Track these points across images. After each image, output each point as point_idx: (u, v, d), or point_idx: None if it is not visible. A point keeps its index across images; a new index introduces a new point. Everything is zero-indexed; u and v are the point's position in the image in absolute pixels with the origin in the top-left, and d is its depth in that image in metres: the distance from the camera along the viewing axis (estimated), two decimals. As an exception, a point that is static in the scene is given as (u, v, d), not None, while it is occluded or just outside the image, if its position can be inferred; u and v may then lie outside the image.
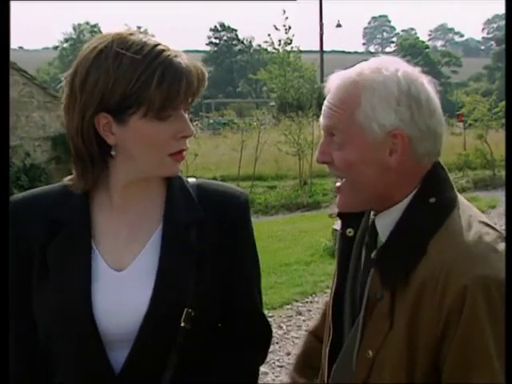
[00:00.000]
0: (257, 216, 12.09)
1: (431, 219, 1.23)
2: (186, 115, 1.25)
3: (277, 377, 4.34)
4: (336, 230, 6.42)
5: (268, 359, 4.63)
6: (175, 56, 1.22)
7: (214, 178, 14.65)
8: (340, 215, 1.38)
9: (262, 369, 4.50)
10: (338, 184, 1.30)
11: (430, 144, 1.26)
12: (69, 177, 1.32)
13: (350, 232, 1.37)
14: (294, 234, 9.03)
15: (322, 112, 1.30)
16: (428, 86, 1.27)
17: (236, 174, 14.00)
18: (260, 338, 1.41)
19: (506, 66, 1.38)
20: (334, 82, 1.29)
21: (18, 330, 1.30)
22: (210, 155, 15.40)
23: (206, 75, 1.27)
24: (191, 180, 1.36)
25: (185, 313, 1.24)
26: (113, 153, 1.25)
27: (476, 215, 1.27)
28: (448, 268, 1.17)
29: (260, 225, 10.79)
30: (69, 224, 1.28)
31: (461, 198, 1.29)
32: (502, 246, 1.21)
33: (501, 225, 8.64)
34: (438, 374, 1.21)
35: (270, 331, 1.44)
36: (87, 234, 1.27)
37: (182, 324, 1.24)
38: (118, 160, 1.26)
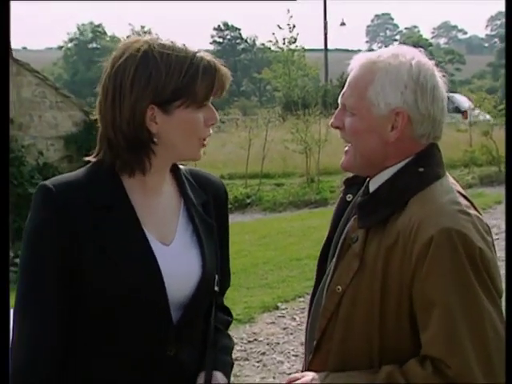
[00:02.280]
0: (265, 213, 12.22)
1: (416, 182, 1.41)
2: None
3: (292, 365, 4.48)
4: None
5: (283, 349, 4.77)
6: (206, 55, 1.42)
7: (222, 177, 14.79)
8: (344, 182, 1.60)
9: (278, 358, 4.65)
10: (346, 148, 1.51)
11: (428, 127, 1.43)
12: (90, 157, 1.44)
13: (349, 197, 1.58)
14: (303, 229, 9.14)
15: (345, 86, 1.50)
16: (438, 77, 1.45)
17: (243, 172, 14.12)
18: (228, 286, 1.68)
19: (506, 68, 1.53)
20: (356, 62, 1.49)
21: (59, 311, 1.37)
22: (217, 153, 15.49)
23: (230, 76, 1.45)
24: (182, 167, 1.55)
25: (216, 279, 1.49)
26: (155, 139, 1.40)
27: (457, 188, 1.44)
28: (420, 221, 1.34)
29: (268, 221, 10.92)
30: (114, 207, 1.40)
31: (449, 176, 1.48)
32: (471, 211, 1.38)
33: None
34: (411, 316, 1.36)
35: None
36: (134, 216, 1.41)
37: (216, 288, 1.49)
38: (158, 148, 1.42)
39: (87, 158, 1.47)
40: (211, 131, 1.46)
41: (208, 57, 1.42)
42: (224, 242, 1.59)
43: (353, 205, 1.55)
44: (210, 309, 1.52)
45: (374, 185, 1.47)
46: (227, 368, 1.54)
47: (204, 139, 1.45)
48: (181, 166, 1.56)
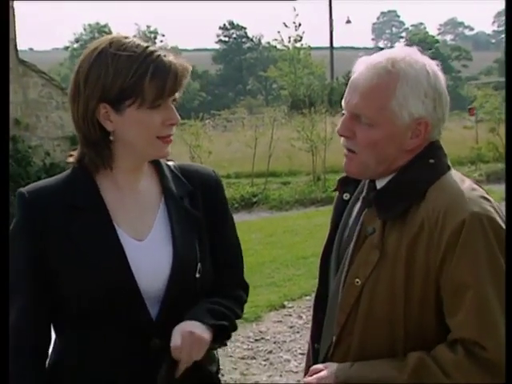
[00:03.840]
0: (271, 212, 12.22)
1: (430, 172, 1.43)
2: (173, 105, 1.46)
3: (299, 364, 4.47)
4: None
5: (290, 347, 4.78)
6: (164, 55, 1.44)
7: (228, 175, 14.81)
8: (340, 181, 1.59)
9: (285, 356, 4.65)
10: (347, 153, 1.48)
11: (440, 128, 1.47)
12: (71, 158, 1.52)
13: (346, 196, 1.57)
14: (310, 228, 9.13)
15: (349, 91, 1.45)
16: (443, 77, 1.47)
17: (250, 171, 14.13)
18: (242, 284, 1.65)
19: (506, 68, 1.53)
20: (365, 68, 1.45)
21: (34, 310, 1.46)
22: (223, 152, 15.49)
23: (190, 69, 1.48)
24: (171, 163, 1.59)
25: (198, 267, 1.50)
26: (111, 138, 1.45)
27: (467, 178, 1.48)
28: (446, 208, 1.36)
29: (275, 220, 10.92)
30: (86, 207, 1.46)
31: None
32: (490, 198, 1.42)
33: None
34: (437, 302, 1.38)
35: (246, 284, 1.66)
36: (106, 214, 1.47)
37: (197, 275, 1.49)
38: (118, 145, 1.47)
39: (71, 153, 1.53)
40: (174, 130, 1.48)
41: (166, 57, 1.43)
42: (221, 228, 1.59)
43: (352, 202, 1.55)
44: (196, 298, 1.52)
45: (381, 180, 1.48)
46: (211, 313, 1.48)
47: (166, 137, 1.47)
48: (169, 162, 1.59)
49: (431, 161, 1.44)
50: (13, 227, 1.48)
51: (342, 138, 1.48)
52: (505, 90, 1.50)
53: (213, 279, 1.56)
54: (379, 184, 1.48)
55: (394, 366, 1.37)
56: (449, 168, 1.47)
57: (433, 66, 1.46)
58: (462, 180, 1.45)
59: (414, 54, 1.46)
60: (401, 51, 1.47)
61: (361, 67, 1.45)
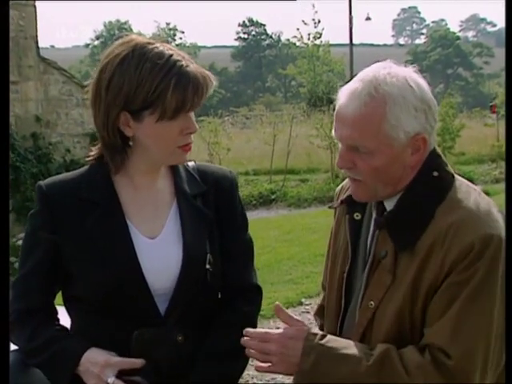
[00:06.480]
0: (289, 209, 12.23)
1: (437, 190, 1.42)
2: (192, 114, 1.47)
3: (316, 361, 4.47)
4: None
5: (307, 345, 4.78)
6: (187, 66, 1.44)
7: (247, 172, 14.85)
8: (347, 201, 1.54)
9: (302, 353, 4.65)
10: (355, 178, 1.45)
11: (435, 133, 1.45)
12: (91, 154, 1.55)
13: (357, 216, 1.53)
14: (328, 225, 8.90)
15: (338, 124, 1.42)
16: (425, 83, 1.43)
17: (268, 168, 14.15)
18: (252, 291, 1.64)
19: (506, 69, 1.52)
20: (348, 98, 1.41)
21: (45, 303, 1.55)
22: (242, 149, 15.53)
23: (213, 81, 1.49)
24: (190, 163, 1.61)
25: (208, 258, 1.53)
26: (130, 143, 1.49)
27: (472, 186, 1.48)
28: (456, 228, 1.36)
29: (293, 217, 10.92)
30: (101, 203, 1.51)
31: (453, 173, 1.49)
32: (495, 209, 1.42)
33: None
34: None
35: (259, 288, 1.65)
36: (120, 211, 1.51)
37: (208, 266, 1.51)
38: (136, 150, 1.50)
39: (92, 149, 1.57)
40: (192, 139, 1.49)
41: (188, 67, 1.43)
42: (231, 227, 1.60)
43: (366, 223, 1.53)
44: (208, 290, 1.55)
45: (389, 200, 1.46)
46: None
47: (185, 146, 1.49)
48: (189, 163, 1.61)
49: (435, 173, 1.43)
50: (30, 218, 1.56)
51: (344, 169, 1.46)
52: (505, 92, 1.49)
53: (223, 277, 1.58)
54: (388, 205, 1.47)
55: (361, 349, 1.39)
56: (453, 177, 1.45)
57: (413, 75, 1.42)
58: (467, 192, 1.43)
59: (392, 70, 1.42)
60: (378, 71, 1.41)
61: (344, 97, 1.42)
